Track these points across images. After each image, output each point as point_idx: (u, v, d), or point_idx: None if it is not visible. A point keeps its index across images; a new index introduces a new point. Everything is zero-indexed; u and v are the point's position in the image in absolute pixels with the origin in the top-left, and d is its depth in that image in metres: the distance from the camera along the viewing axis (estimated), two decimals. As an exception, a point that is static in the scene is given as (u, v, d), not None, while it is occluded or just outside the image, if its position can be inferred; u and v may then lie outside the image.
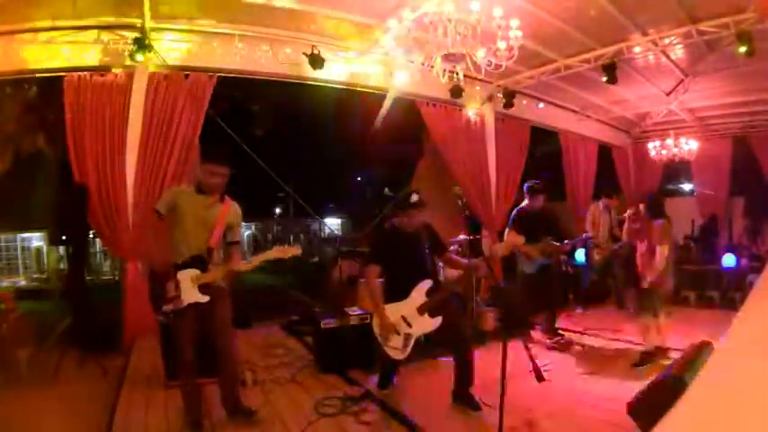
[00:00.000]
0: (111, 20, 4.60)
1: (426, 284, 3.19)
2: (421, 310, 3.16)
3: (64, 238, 4.52)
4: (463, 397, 3.15)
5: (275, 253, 2.87)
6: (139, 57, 4.53)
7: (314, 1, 4.77)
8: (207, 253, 2.83)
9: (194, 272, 2.77)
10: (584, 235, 5.77)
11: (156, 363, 3.71)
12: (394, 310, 3.19)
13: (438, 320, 3.15)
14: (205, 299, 2.76)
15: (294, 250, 2.90)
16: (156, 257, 2.87)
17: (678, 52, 6.16)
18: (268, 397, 3.41)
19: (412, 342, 3.18)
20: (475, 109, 7.03)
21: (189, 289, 2.74)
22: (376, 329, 3.27)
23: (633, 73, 6.64)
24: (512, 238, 3.97)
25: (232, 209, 2.94)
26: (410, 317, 3.16)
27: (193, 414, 2.86)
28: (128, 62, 4.62)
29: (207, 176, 2.85)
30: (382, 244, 3.45)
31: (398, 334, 3.18)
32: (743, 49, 4.72)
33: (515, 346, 3.85)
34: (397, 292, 3.24)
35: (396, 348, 3.18)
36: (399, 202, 3.35)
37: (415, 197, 3.23)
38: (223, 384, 2.96)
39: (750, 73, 6.37)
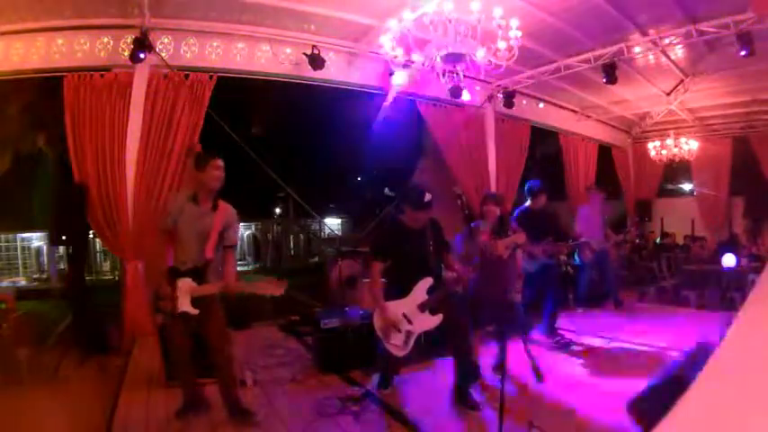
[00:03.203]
0: (111, 20, 4.61)
1: (428, 282, 3.19)
2: (422, 307, 3.15)
3: (64, 238, 4.52)
4: (463, 397, 3.15)
5: (261, 289, 2.87)
6: (140, 57, 4.53)
7: (314, 1, 4.77)
8: (204, 264, 2.85)
9: (190, 283, 2.80)
10: (582, 238, 5.74)
11: (155, 363, 3.71)
12: (395, 308, 3.19)
13: (439, 318, 3.14)
14: (194, 312, 2.78)
15: (279, 290, 2.86)
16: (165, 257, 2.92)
17: (678, 52, 6.17)
18: (268, 397, 3.41)
19: (413, 339, 3.17)
20: (475, 109, 7.03)
21: (183, 299, 2.78)
22: (377, 326, 3.27)
23: (633, 73, 6.64)
24: (514, 236, 3.93)
25: (226, 213, 2.96)
26: (411, 314, 3.16)
27: (189, 396, 2.97)
28: (128, 62, 4.62)
29: (213, 171, 2.88)
30: (387, 241, 3.43)
31: (399, 331, 3.17)
32: None
33: (515, 346, 3.88)
34: (399, 289, 3.24)
35: (397, 345, 3.18)
36: (411, 200, 3.25)
37: (428, 196, 3.17)
38: (221, 387, 2.98)
39: (750, 73, 6.37)
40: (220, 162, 2.95)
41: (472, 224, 3.47)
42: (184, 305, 2.77)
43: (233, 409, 2.94)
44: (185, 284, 2.79)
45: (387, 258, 3.29)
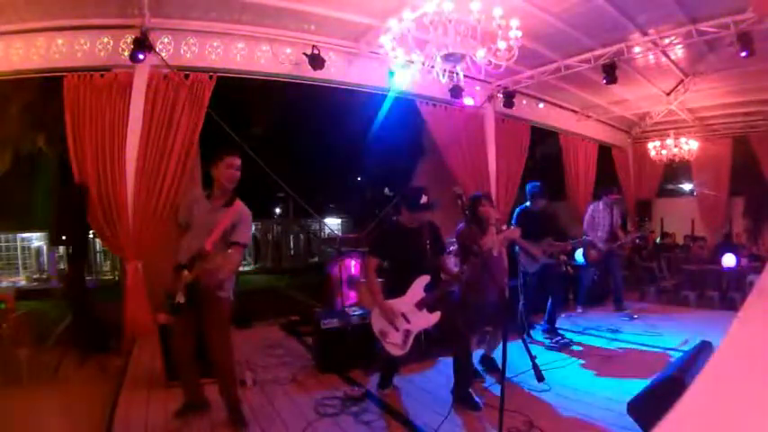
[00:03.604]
0: (111, 20, 4.61)
1: (425, 280, 3.19)
2: (419, 305, 3.15)
3: (64, 238, 4.52)
4: (463, 397, 3.15)
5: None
6: (140, 57, 4.54)
7: (314, 1, 4.77)
8: (200, 256, 2.74)
9: (185, 273, 2.72)
10: (585, 237, 5.75)
11: (156, 363, 3.71)
12: (393, 306, 3.19)
13: (437, 316, 3.14)
14: (182, 299, 2.70)
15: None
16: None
17: (678, 52, 6.17)
18: (268, 397, 3.41)
19: (411, 338, 3.17)
20: (475, 109, 7.04)
21: (180, 290, 2.72)
22: (375, 327, 3.27)
23: (633, 73, 6.64)
24: (508, 231, 3.92)
25: (237, 212, 2.86)
26: (409, 313, 3.16)
27: (190, 396, 2.92)
28: (128, 62, 4.62)
29: (225, 169, 2.81)
30: (384, 239, 3.42)
31: (398, 330, 3.17)
32: None
33: (515, 346, 3.87)
34: (397, 287, 3.24)
35: (395, 344, 3.18)
36: (408, 202, 3.27)
37: (424, 198, 3.18)
38: (221, 387, 2.96)
39: (750, 73, 6.38)
40: (234, 160, 2.82)
41: (462, 225, 3.50)
42: (179, 296, 2.71)
43: (232, 411, 2.93)
44: (183, 275, 2.72)
45: (384, 257, 3.29)
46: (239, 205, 2.89)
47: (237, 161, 2.85)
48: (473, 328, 3.57)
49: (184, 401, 2.98)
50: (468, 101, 6.66)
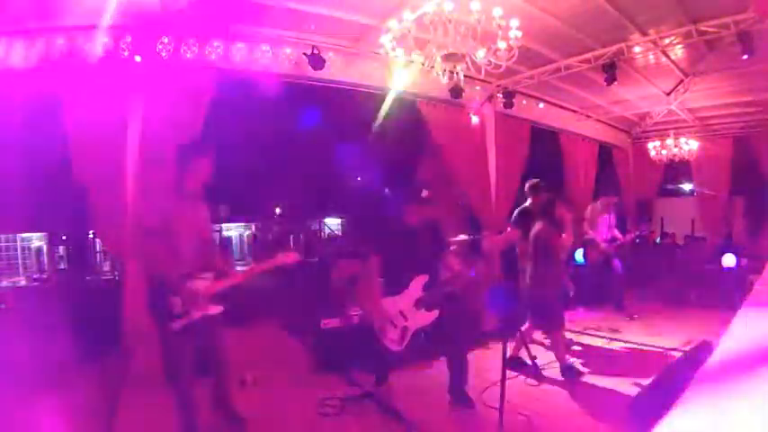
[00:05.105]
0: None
1: (423, 279, 3.23)
2: (418, 304, 3.20)
3: (64, 238, 4.51)
4: (458, 395, 3.17)
5: (279, 260, 2.88)
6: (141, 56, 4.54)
7: (314, 1, 4.77)
8: (210, 260, 2.74)
9: (204, 282, 2.66)
10: (586, 236, 5.76)
11: (155, 363, 3.70)
12: (392, 304, 3.23)
13: (434, 315, 3.19)
14: (218, 309, 2.66)
15: (294, 256, 2.90)
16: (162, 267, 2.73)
17: (678, 52, 6.17)
18: (268, 397, 3.41)
19: (409, 335, 3.24)
20: (475, 109, 7.04)
21: (200, 300, 2.63)
22: (375, 323, 3.33)
23: (633, 73, 6.64)
24: (508, 233, 3.97)
25: (204, 208, 2.94)
26: (407, 310, 3.21)
27: (189, 418, 2.83)
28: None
29: (193, 173, 2.94)
30: (386, 238, 3.46)
31: (395, 327, 3.22)
32: None
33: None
34: (396, 285, 3.28)
35: (393, 340, 3.25)
36: (409, 197, 3.37)
37: (425, 192, 3.30)
38: (214, 384, 2.93)
39: (750, 73, 6.37)
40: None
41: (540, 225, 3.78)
42: (204, 307, 2.62)
43: (226, 410, 2.91)
44: (199, 285, 2.64)
45: (385, 255, 3.32)
46: (201, 202, 2.95)
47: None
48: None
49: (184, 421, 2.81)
50: (474, 120, 6.78)
